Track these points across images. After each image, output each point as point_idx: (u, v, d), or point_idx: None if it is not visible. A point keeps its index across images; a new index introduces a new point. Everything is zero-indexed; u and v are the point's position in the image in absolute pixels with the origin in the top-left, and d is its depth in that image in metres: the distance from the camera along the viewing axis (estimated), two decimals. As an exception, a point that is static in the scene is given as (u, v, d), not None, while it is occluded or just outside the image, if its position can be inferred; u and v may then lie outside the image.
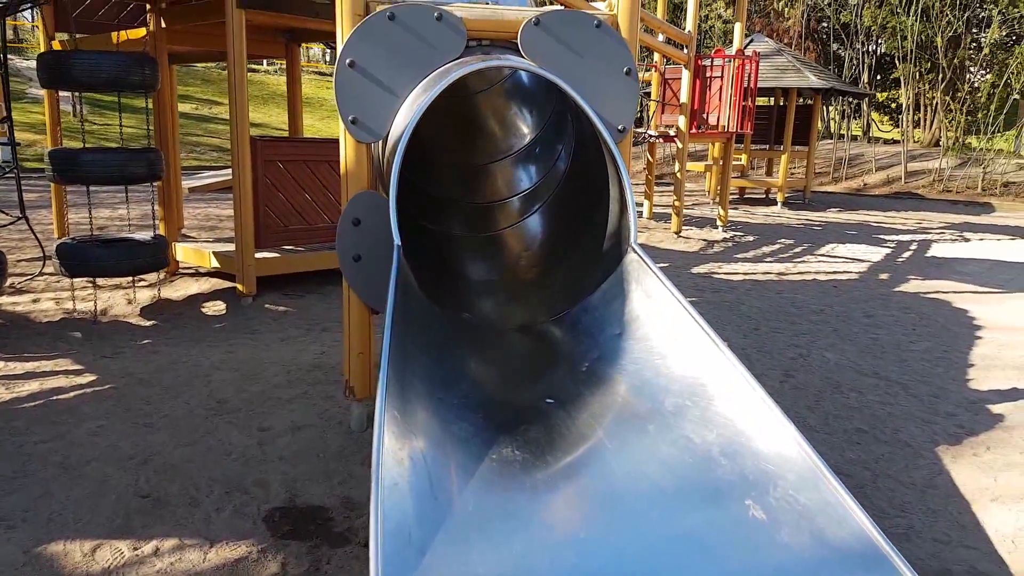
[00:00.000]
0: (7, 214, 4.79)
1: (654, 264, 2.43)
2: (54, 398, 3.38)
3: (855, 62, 19.95)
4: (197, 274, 5.80)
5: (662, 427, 2.00)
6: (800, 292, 6.20)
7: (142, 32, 5.64)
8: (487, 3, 2.90)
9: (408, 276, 2.62)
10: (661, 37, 8.84)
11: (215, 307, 5.01)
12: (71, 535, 2.30)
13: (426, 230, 3.31)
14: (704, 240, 8.86)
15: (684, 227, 9.41)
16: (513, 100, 3.53)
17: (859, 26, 19.18)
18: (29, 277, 5.41)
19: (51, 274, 5.28)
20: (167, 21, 5.44)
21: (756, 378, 1.96)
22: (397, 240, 2.31)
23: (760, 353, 4.40)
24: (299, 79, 7.18)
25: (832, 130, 21.09)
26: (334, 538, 2.33)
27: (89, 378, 3.63)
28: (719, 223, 9.57)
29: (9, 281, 5.01)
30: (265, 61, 23.40)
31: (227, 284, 5.40)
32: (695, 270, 7.02)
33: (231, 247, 5.31)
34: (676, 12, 18.66)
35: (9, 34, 17.39)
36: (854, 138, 20.08)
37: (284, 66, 9.27)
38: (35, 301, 4.94)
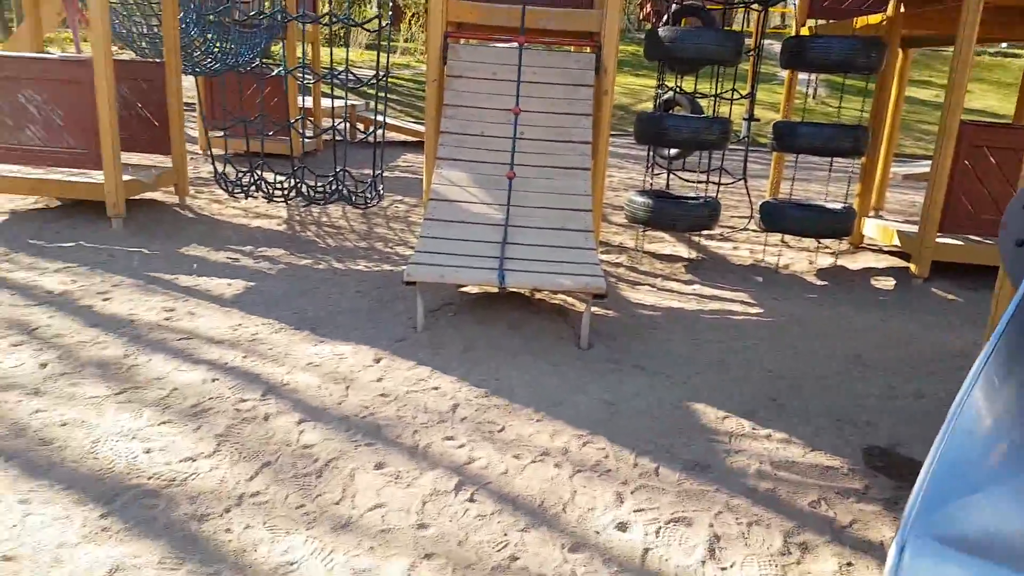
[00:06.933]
0: (732, 175, 5.81)
1: None
2: (727, 317, 4.16)
3: None
4: (879, 250, 6.02)
5: None
6: None
7: (879, 17, 5.97)
8: None
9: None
10: None
11: (884, 282, 5.20)
12: (711, 401, 2.99)
13: None
14: None
15: None
16: None
17: None
18: (735, 229, 6.43)
19: (752, 230, 6.19)
20: (906, 5, 5.65)
21: None
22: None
23: None
24: (1042, 65, 6.54)
25: None
26: (919, 488, 2.47)
27: (757, 311, 4.32)
28: None
29: (719, 230, 6.07)
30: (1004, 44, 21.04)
31: (902, 263, 5.50)
32: None
33: (915, 228, 5.38)
34: None
35: (777, 20, 19.60)
36: None
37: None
38: (735, 248, 5.90)
